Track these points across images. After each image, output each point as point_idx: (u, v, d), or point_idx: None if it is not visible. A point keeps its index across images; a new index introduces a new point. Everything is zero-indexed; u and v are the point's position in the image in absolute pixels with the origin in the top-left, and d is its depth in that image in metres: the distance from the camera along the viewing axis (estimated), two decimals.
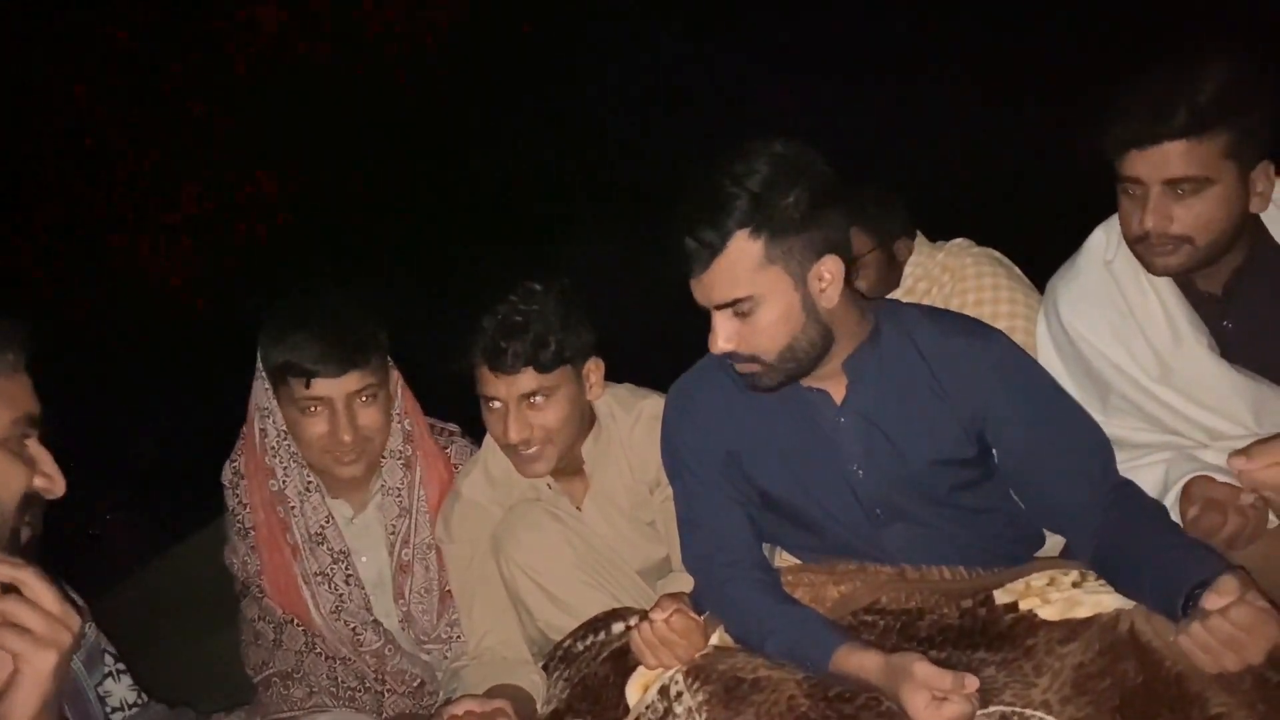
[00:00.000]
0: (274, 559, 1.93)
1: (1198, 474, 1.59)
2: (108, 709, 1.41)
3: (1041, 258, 2.07)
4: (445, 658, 1.96)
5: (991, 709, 1.32)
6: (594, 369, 1.86)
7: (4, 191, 6.39)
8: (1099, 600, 1.43)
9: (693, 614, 1.56)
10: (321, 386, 1.79)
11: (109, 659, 1.44)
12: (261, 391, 1.88)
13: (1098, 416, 1.71)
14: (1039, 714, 1.31)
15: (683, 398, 1.75)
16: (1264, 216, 1.65)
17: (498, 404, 1.79)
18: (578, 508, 1.94)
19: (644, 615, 1.59)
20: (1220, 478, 1.55)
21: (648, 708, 1.51)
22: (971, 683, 1.29)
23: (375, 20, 6.96)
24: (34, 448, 1.17)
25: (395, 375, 1.95)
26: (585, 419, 1.90)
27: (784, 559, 1.79)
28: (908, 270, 2.42)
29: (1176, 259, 1.60)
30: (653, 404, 1.90)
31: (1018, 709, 1.32)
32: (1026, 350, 1.75)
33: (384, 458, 1.94)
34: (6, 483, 1.13)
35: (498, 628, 1.87)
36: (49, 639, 0.96)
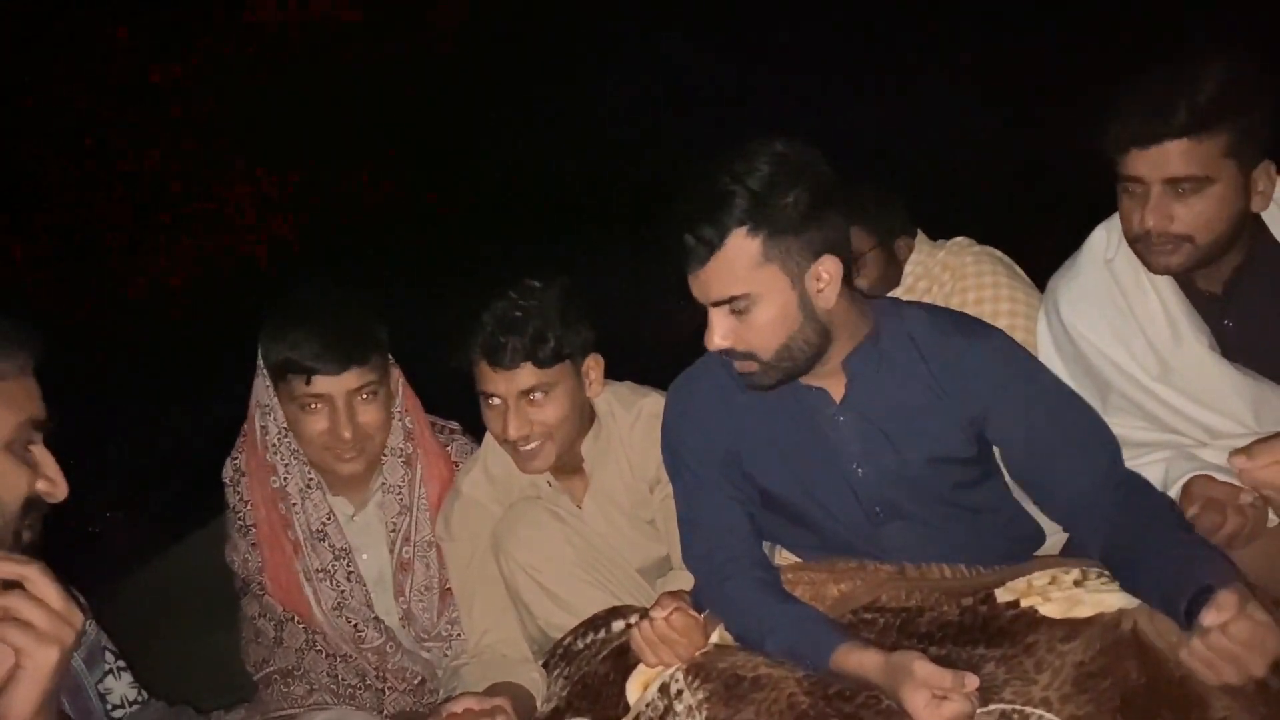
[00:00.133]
0: (275, 556, 1.93)
1: (1198, 472, 1.59)
2: (108, 706, 1.41)
3: (1042, 256, 2.07)
4: (445, 655, 1.96)
5: (992, 707, 1.32)
6: (594, 366, 1.86)
7: (3, 190, 6.39)
8: (1101, 599, 1.42)
9: (693, 612, 1.56)
10: (322, 383, 1.80)
11: (109, 656, 1.44)
12: (262, 388, 1.89)
13: None
14: (1039, 712, 1.31)
15: (683, 396, 1.75)
16: (1265, 216, 1.65)
17: (497, 400, 1.79)
18: (578, 506, 1.94)
19: (644, 613, 1.59)
20: (1220, 476, 1.55)
21: (648, 705, 1.51)
22: (971, 681, 1.29)
23: (377, 19, 6.96)
24: (38, 452, 1.18)
25: (396, 373, 1.95)
26: (585, 416, 1.90)
27: (784, 557, 1.79)
28: (908, 269, 2.42)
29: (1177, 258, 1.60)
30: (653, 402, 1.90)
31: (1018, 706, 1.32)
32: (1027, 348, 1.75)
33: (385, 455, 1.94)
34: (10, 486, 1.13)
35: (498, 626, 1.87)
36: (52, 635, 0.96)
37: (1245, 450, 1.35)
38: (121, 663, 1.45)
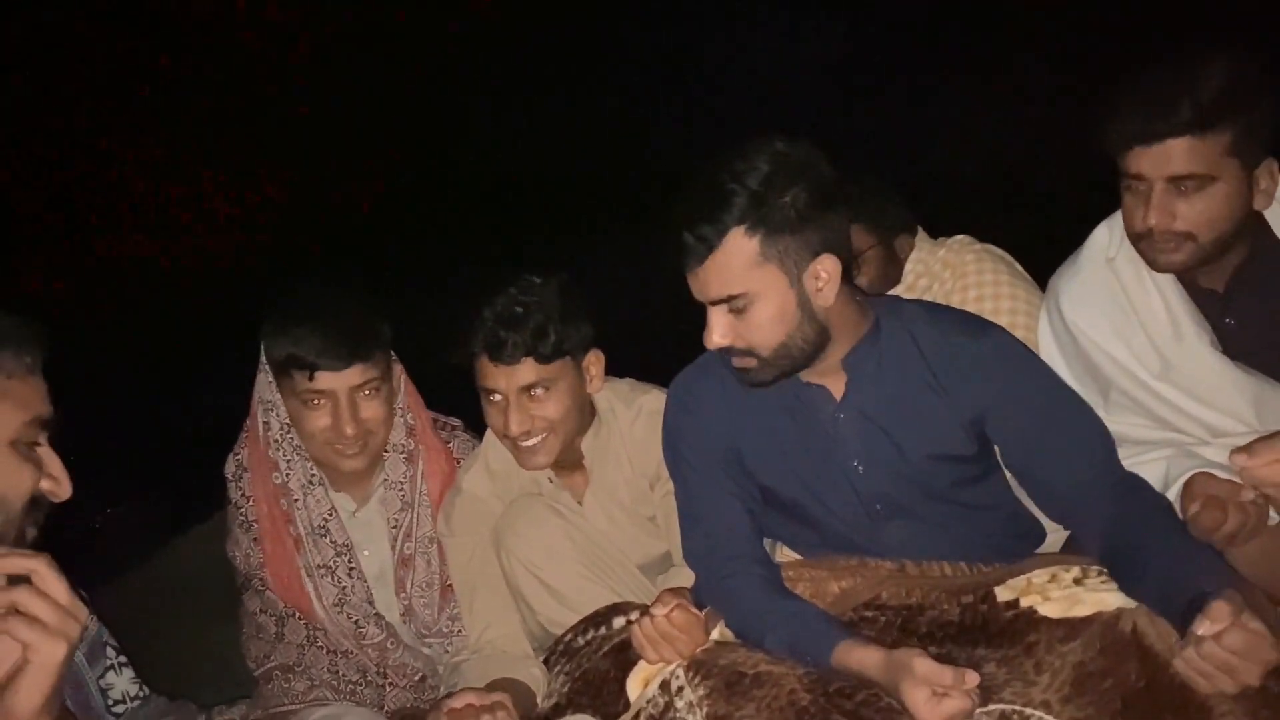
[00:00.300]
0: (277, 551, 1.93)
1: (1199, 470, 1.59)
2: (109, 701, 1.41)
3: (1043, 255, 2.07)
4: (446, 651, 1.96)
5: (991, 707, 1.32)
6: (594, 361, 1.86)
7: (4, 186, 6.39)
8: (1101, 598, 1.43)
9: (693, 609, 1.56)
10: (324, 379, 1.80)
11: (110, 652, 1.44)
12: (265, 384, 1.89)
13: (1099, 413, 1.71)
14: (1039, 713, 1.31)
15: (683, 393, 1.75)
16: (1267, 214, 1.65)
17: (498, 396, 1.79)
18: (579, 502, 1.94)
19: (645, 610, 1.59)
20: (1221, 474, 1.55)
21: (648, 702, 1.51)
22: (972, 678, 1.29)
23: (380, 17, 6.95)
24: (44, 451, 1.18)
25: (398, 369, 1.95)
26: (586, 413, 1.90)
27: (785, 554, 1.79)
28: (909, 267, 2.42)
29: (1179, 256, 1.60)
30: (653, 399, 1.90)
31: (1017, 707, 1.32)
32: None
33: (387, 451, 1.94)
34: (15, 484, 1.14)
35: (498, 622, 1.88)
36: (59, 630, 0.96)
37: (1246, 448, 1.35)
38: (123, 658, 1.46)
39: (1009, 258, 2.36)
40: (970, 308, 2.16)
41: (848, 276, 1.55)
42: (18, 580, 0.97)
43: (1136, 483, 1.56)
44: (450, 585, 1.96)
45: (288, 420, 1.88)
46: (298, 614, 1.95)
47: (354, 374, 1.81)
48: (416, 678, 1.98)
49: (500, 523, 1.88)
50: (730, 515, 1.67)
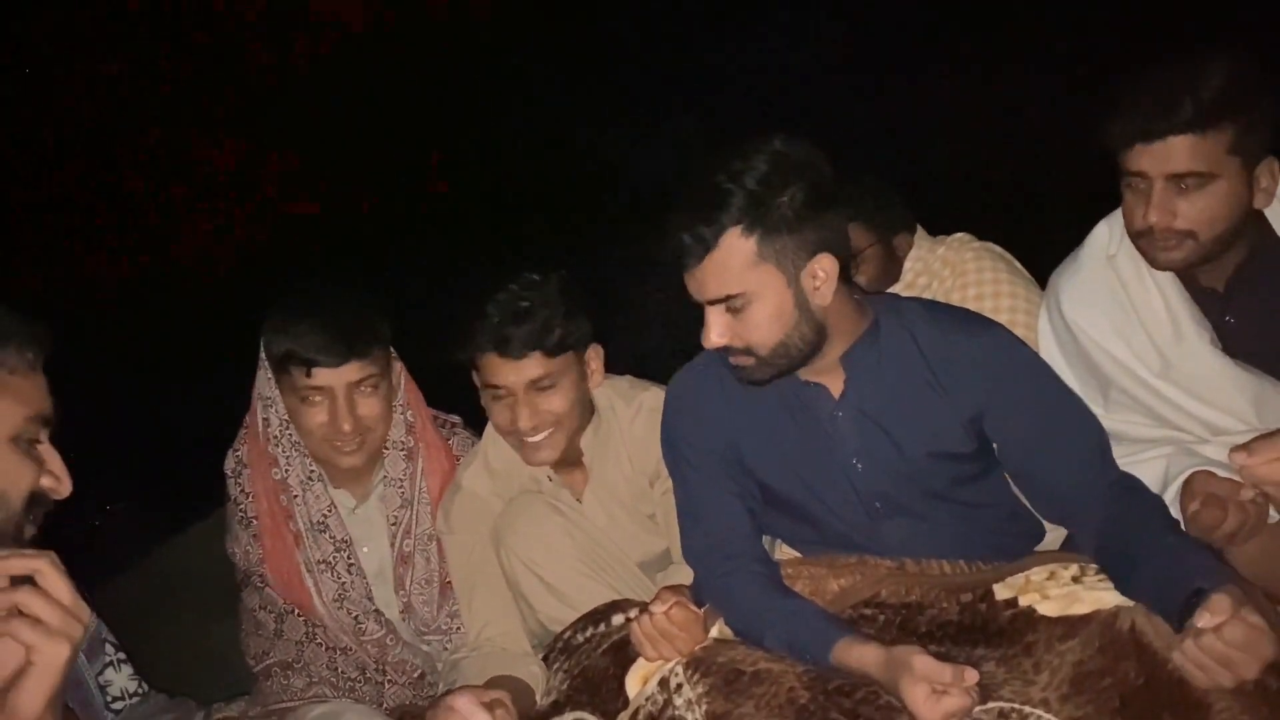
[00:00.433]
0: (277, 547, 1.93)
1: (1198, 469, 1.59)
2: (108, 698, 1.41)
3: (1043, 253, 2.07)
4: (445, 649, 1.96)
5: (990, 705, 1.32)
6: (594, 356, 1.88)
7: (4, 184, 6.38)
8: (1099, 597, 1.43)
9: (692, 606, 1.56)
10: (322, 376, 1.80)
11: (110, 648, 1.44)
12: (264, 381, 1.89)
13: (1099, 411, 1.71)
14: (1038, 712, 1.31)
15: (682, 391, 1.75)
16: (1268, 212, 1.65)
17: (504, 392, 1.79)
18: (578, 500, 1.94)
19: (644, 607, 1.59)
20: (1221, 473, 1.55)
21: (647, 699, 1.51)
22: (971, 676, 1.29)
23: (379, 17, 6.95)
24: (44, 448, 1.18)
25: (399, 367, 1.95)
26: (587, 408, 1.90)
27: (784, 552, 1.79)
28: (907, 265, 2.42)
29: (1179, 254, 1.60)
30: (653, 396, 1.90)
31: (1016, 706, 1.32)
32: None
33: (386, 449, 1.94)
34: (15, 481, 1.13)
35: (497, 619, 1.88)
36: (62, 631, 0.95)
37: (1246, 446, 1.35)
38: (122, 655, 1.45)
39: (1008, 256, 2.36)
40: (970, 306, 2.16)
41: (846, 275, 1.55)
42: (20, 580, 0.97)
43: (1132, 483, 1.57)
44: (449, 582, 1.96)
45: (287, 416, 1.88)
46: (297, 610, 1.95)
47: (351, 370, 1.81)
48: (415, 675, 1.98)
49: (500, 520, 1.88)
50: (729, 513, 1.67)
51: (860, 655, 1.40)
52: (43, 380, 1.19)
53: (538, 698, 1.75)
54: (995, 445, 1.63)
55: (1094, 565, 1.51)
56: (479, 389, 1.88)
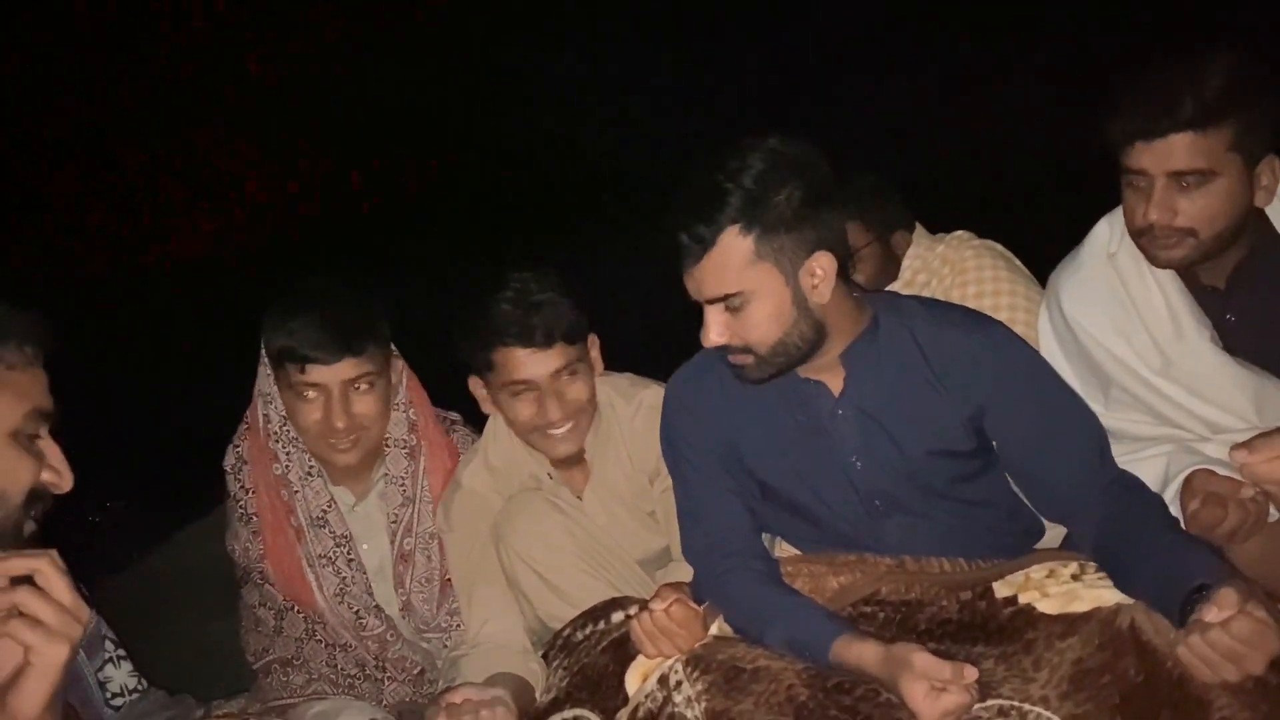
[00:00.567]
0: (278, 542, 1.93)
1: (1199, 467, 1.59)
2: (107, 695, 1.41)
3: (1044, 251, 2.07)
4: (445, 646, 1.96)
5: (990, 703, 1.32)
6: (594, 344, 1.89)
7: (4, 177, 6.38)
8: (1098, 594, 1.43)
9: (692, 604, 1.56)
10: (316, 373, 1.80)
11: (109, 645, 1.44)
12: (264, 377, 1.89)
13: (1099, 409, 1.70)
14: (1038, 709, 1.31)
15: (682, 389, 1.75)
16: (1268, 210, 1.64)
17: (529, 386, 1.79)
18: (578, 497, 1.94)
19: (644, 605, 1.59)
20: (1222, 471, 1.55)
21: (647, 697, 1.51)
22: (970, 673, 1.30)
23: (379, 17, 6.95)
24: (44, 443, 1.17)
25: (400, 365, 1.95)
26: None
27: (784, 549, 1.79)
28: (906, 263, 2.42)
29: (1180, 252, 1.60)
30: (653, 394, 1.90)
31: (1016, 703, 1.32)
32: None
33: (387, 447, 1.94)
34: (15, 476, 1.13)
35: (497, 616, 1.87)
36: (61, 631, 0.95)
37: (1247, 445, 1.35)
38: (121, 651, 1.45)
39: (1008, 253, 2.36)
40: (969, 304, 2.15)
41: (844, 273, 1.55)
42: (20, 579, 0.97)
43: (1131, 481, 1.57)
44: (449, 580, 1.96)
45: (285, 413, 1.88)
46: (297, 607, 1.95)
47: (346, 368, 1.80)
48: (415, 671, 1.98)
49: (499, 518, 1.88)
50: (729, 511, 1.67)
51: (860, 653, 1.40)
52: (43, 375, 1.19)
53: (537, 695, 1.75)
54: (994, 443, 1.63)
55: (1093, 563, 1.51)
56: (487, 390, 1.87)
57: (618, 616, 1.73)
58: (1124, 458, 1.64)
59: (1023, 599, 1.48)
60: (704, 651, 1.52)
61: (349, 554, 1.94)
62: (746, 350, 1.53)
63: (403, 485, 1.96)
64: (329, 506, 1.93)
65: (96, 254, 6.66)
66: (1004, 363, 1.60)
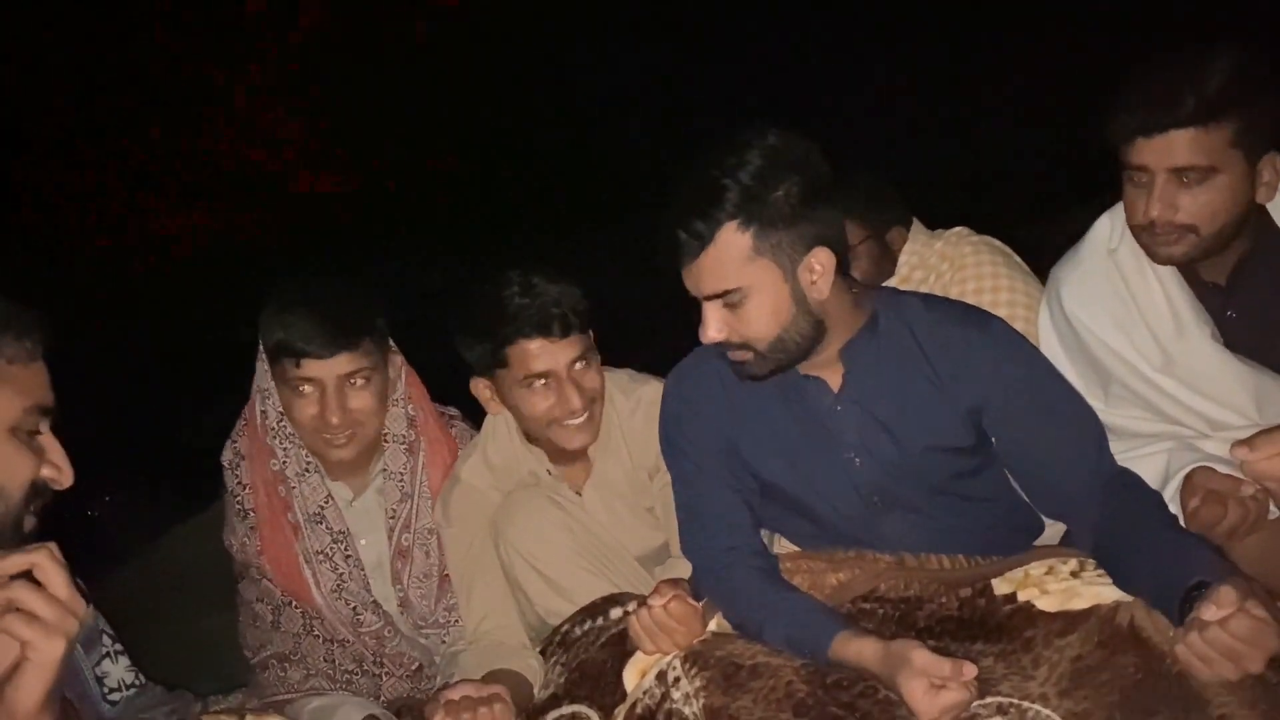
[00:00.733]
0: (275, 538, 1.93)
1: (1199, 464, 1.59)
2: (105, 690, 1.41)
3: (1044, 247, 2.06)
4: (443, 642, 1.96)
5: (989, 700, 1.32)
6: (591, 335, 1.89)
7: (5, 181, 6.38)
8: (1098, 592, 1.43)
9: (691, 600, 1.56)
10: (311, 367, 1.79)
11: (107, 640, 1.44)
12: (262, 372, 1.89)
13: (1099, 406, 1.70)
14: (1036, 706, 1.30)
15: (681, 386, 1.74)
16: (1270, 207, 1.64)
17: (547, 378, 1.78)
18: (577, 493, 1.94)
19: (642, 601, 1.59)
20: (1222, 468, 1.55)
21: (645, 693, 1.51)
22: (969, 670, 1.29)
23: (378, 16, 6.95)
24: (45, 438, 1.17)
25: (398, 360, 1.95)
26: None
27: (783, 546, 1.79)
28: (903, 259, 2.41)
29: (1181, 248, 1.59)
30: (652, 390, 1.90)
31: (1015, 700, 1.32)
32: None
33: (386, 442, 1.94)
34: (14, 471, 1.13)
35: (496, 612, 1.87)
36: (58, 626, 0.95)
37: (1247, 442, 1.35)
38: (119, 646, 1.45)
39: (1007, 249, 2.35)
40: (969, 300, 2.15)
41: (843, 269, 1.55)
42: (18, 574, 0.96)
43: (1130, 478, 1.56)
44: (447, 576, 1.95)
45: (282, 408, 1.87)
46: (294, 603, 1.95)
47: (341, 363, 1.80)
48: (413, 667, 1.98)
49: (498, 513, 1.88)
50: (728, 508, 1.67)
51: (859, 649, 1.40)
52: (43, 370, 1.18)
53: (535, 691, 1.75)
54: (993, 440, 1.63)
55: (1093, 560, 1.50)
56: (496, 389, 1.85)
57: (616, 613, 1.73)
58: (1124, 455, 1.63)
59: (1022, 596, 1.48)
60: (702, 648, 1.52)
61: (346, 549, 1.94)
62: (745, 346, 1.53)
63: (401, 480, 1.95)
64: (326, 502, 1.93)
65: (95, 250, 6.66)
66: (1003, 359, 1.59)
